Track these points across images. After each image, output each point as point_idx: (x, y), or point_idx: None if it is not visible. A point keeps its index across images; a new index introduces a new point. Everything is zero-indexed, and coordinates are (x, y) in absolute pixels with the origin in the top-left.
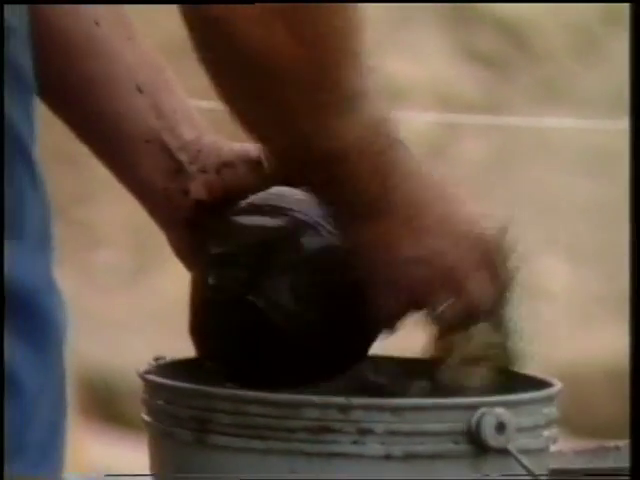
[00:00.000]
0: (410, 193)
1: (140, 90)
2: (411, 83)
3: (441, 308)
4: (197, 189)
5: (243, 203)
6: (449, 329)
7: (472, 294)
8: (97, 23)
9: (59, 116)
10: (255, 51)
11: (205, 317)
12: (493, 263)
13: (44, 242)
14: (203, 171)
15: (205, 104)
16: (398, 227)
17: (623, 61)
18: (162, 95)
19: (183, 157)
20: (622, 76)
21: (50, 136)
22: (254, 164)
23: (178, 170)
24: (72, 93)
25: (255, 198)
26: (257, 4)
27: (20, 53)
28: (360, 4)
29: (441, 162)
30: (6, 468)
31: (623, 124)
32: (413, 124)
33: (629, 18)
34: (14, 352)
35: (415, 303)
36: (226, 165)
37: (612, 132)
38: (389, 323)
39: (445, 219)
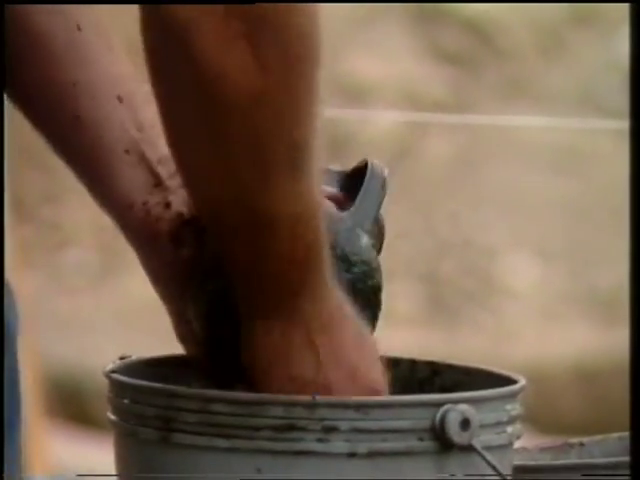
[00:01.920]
0: (322, 307)
1: (120, 100)
2: (378, 82)
3: None
4: (178, 202)
5: None
6: None
7: None
8: (79, 28)
9: (35, 125)
10: (209, 69)
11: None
12: None
13: None
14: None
15: None
16: (296, 337)
17: (589, 59)
18: (142, 107)
19: (162, 171)
20: (588, 74)
21: (18, 138)
22: None
23: (157, 184)
24: (52, 99)
25: None
26: (223, 19)
27: None
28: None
29: (408, 161)
30: (6, 468)
31: (589, 122)
32: (380, 123)
33: (629, 18)
34: None
35: None
36: None
37: (578, 130)
38: None
39: (350, 352)
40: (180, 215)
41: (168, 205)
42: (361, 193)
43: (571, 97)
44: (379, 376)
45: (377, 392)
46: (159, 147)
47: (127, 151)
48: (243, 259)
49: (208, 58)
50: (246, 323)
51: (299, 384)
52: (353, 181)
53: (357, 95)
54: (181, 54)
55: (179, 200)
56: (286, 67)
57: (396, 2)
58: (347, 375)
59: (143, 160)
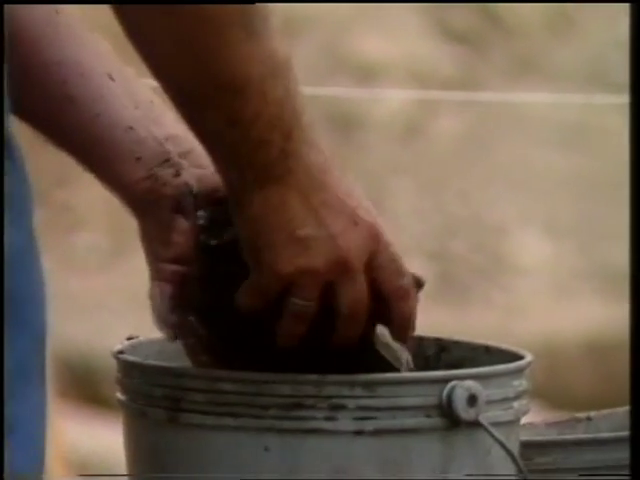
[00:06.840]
0: (310, 163)
1: (111, 78)
2: (387, 61)
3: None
4: (189, 175)
5: None
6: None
7: (360, 290)
8: (57, 12)
9: (23, 112)
10: None
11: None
12: (393, 262)
13: (22, 216)
14: (198, 166)
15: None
16: (293, 199)
17: (597, 36)
18: (135, 84)
19: (171, 148)
20: (596, 51)
21: None
22: None
23: (166, 160)
24: (40, 81)
25: None
26: None
27: None
28: None
29: (417, 139)
30: (6, 467)
31: (597, 98)
32: (389, 101)
33: (629, 18)
34: None
35: (298, 286)
36: None
37: (587, 106)
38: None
39: (345, 201)
40: (186, 185)
41: (178, 174)
42: None
43: (579, 74)
44: (376, 219)
45: (379, 235)
46: (164, 126)
47: (131, 127)
48: (220, 129)
49: None
50: (242, 200)
51: (305, 243)
52: None
53: (366, 74)
54: None
55: (190, 174)
56: None
57: None
58: (348, 222)
59: (150, 136)
